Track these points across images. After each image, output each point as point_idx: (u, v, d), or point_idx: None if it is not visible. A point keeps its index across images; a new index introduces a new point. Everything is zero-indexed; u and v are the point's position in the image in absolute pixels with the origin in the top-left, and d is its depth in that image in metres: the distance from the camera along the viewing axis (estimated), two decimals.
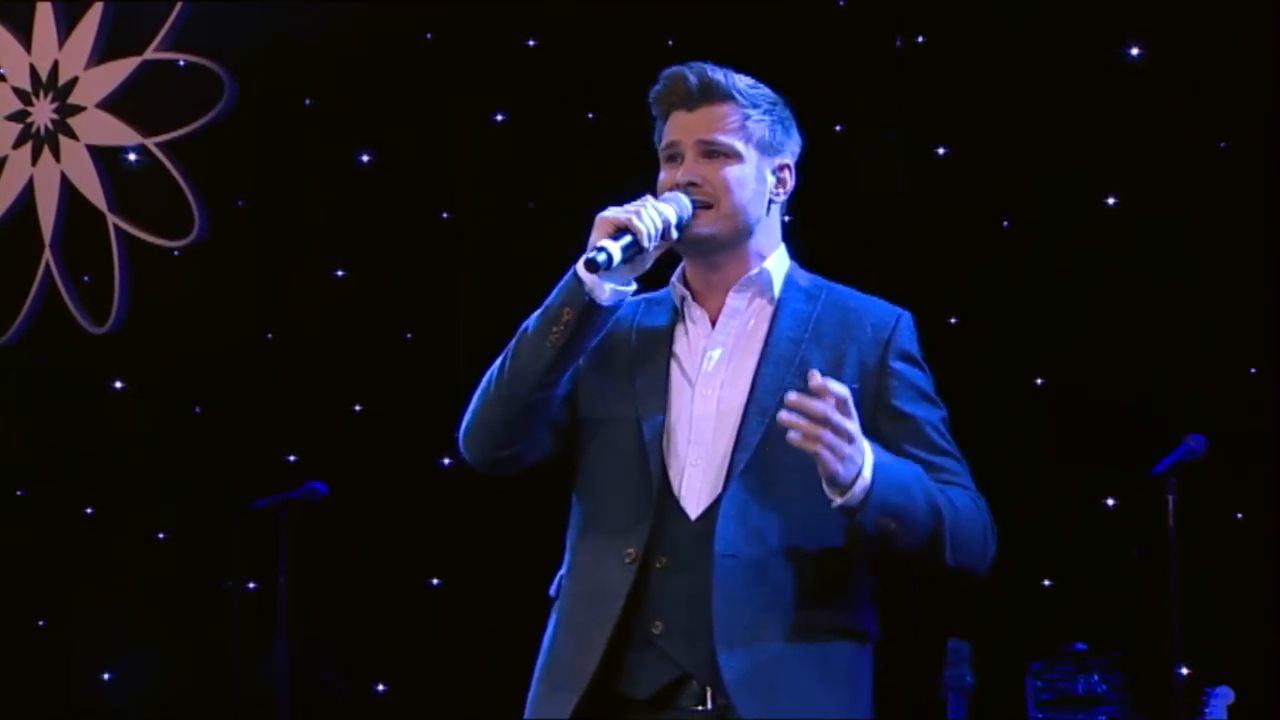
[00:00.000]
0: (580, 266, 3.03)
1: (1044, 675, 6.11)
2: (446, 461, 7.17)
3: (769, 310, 3.18)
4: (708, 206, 3.14)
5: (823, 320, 3.17)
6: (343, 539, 6.94)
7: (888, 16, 6.82)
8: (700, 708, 3.02)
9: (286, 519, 6.24)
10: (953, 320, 6.67)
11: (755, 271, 3.20)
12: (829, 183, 6.78)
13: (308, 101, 7.49)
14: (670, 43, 6.71)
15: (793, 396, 2.90)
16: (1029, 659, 6.12)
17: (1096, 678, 6.05)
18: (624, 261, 3.03)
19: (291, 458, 7.20)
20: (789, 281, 3.23)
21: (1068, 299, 6.47)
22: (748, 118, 3.18)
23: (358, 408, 7.34)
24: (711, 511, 3.05)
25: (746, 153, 3.17)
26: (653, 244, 3.06)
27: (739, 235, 3.18)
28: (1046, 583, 6.44)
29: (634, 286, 3.11)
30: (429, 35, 7.36)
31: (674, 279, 3.22)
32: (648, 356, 3.18)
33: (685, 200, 3.12)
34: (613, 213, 3.05)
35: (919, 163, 6.77)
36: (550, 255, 7.11)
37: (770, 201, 3.23)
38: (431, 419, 7.33)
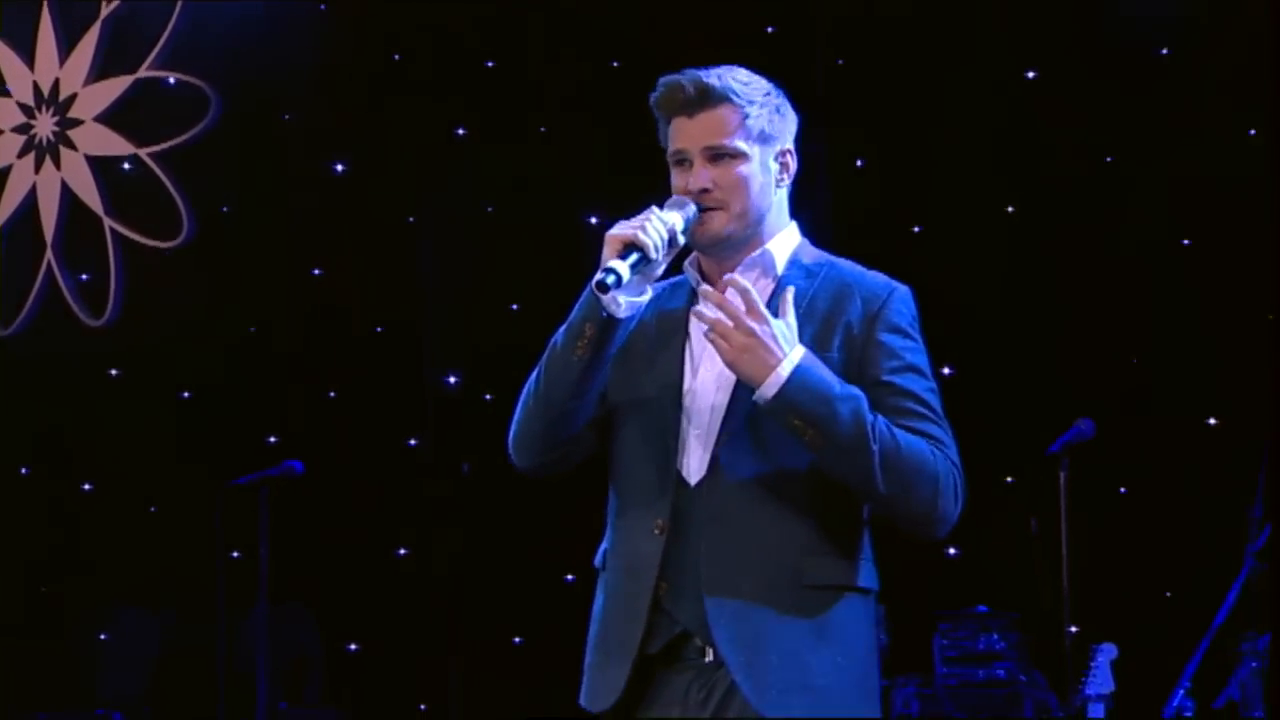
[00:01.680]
0: (594, 287, 2.93)
1: (949, 634, 6.14)
2: (413, 442, 7.17)
3: (770, 289, 3.06)
4: (720, 208, 3.04)
5: (817, 296, 3.05)
6: (318, 512, 6.90)
7: (811, 42, 6.84)
8: (704, 660, 2.97)
9: (267, 494, 6.19)
10: None
11: (758, 253, 3.08)
12: None
13: (286, 116, 7.46)
14: (615, 64, 6.71)
15: (704, 288, 2.92)
16: (936, 619, 6.15)
17: (996, 636, 6.08)
18: (635, 272, 2.95)
19: (271, 439, 7.18)
20: (793, 260, 3.12)
21: (973, 297, 6.49)
22: (746, 116, 3.06)
23: (332, 394, 7.32)
24: (705, 479, 2.99)
25: (750, 150, 3.06)
26: (660, 254, 2.97)
27: (749, 228, 3.07)
28: (952, 551, 6.46)
29: (648, 294, 3.03)
30: (396, 56, 7.34)
31: (687, 263, 3.10)
32: (665, 340, 3.09)
33: (693, 207, 3.02)
34: (619, 230, 2.95)
35: (839, 171, 6.78)
36: (506, 256, 7.13)
37: (778, 186, 3.12)
38: (399, 404, 7.34)
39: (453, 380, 6.94)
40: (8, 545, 7.45)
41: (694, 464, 3.01)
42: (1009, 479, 6.39)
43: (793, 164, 3.15)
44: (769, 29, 6.89)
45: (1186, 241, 6.34)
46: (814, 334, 3.00)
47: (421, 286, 7.27)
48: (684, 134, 3.07)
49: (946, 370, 6.56)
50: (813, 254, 3.15)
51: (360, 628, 7.21)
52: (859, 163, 6.81)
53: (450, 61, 7.19)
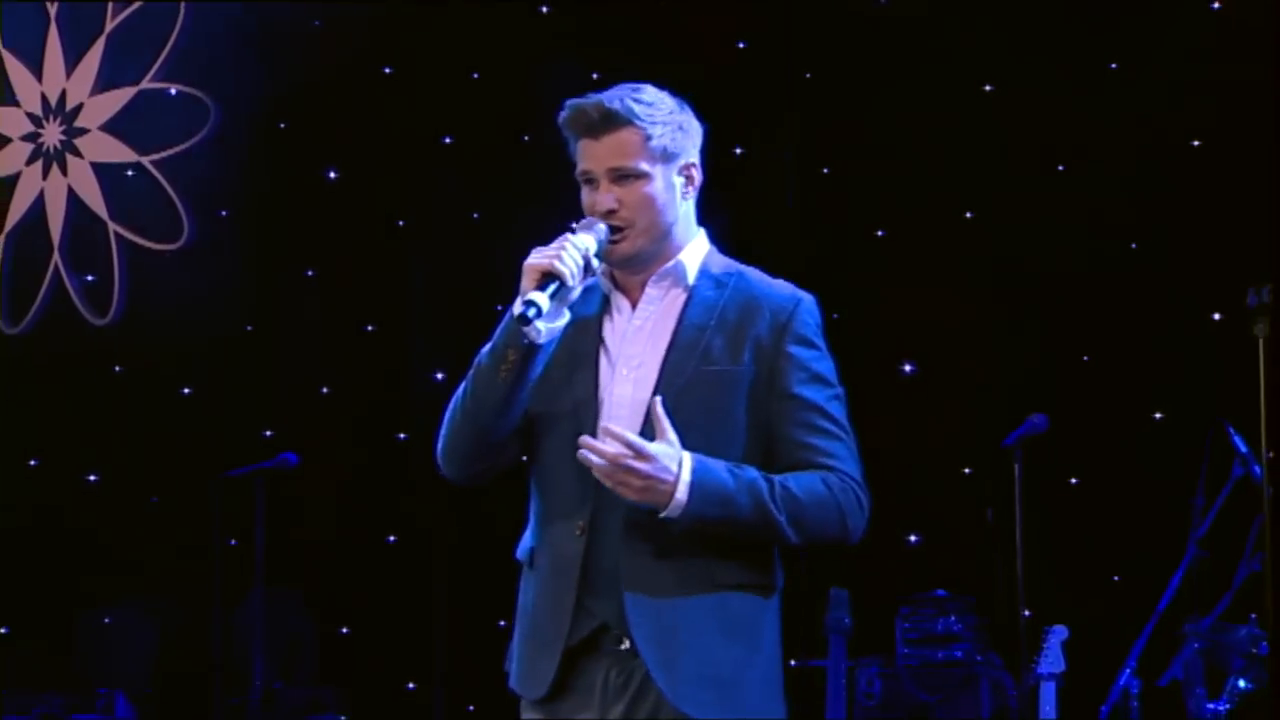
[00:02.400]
0: (514, 319, 2.92)
1: (910, 617, 6.14)
2: (402, 436, 7.17)
3: (682, 299, 3.05)
4: (628, 227, 3.02)
5: (728, 307, 3.04)
6: (311, 502, 6.90)
7: (782, 57, 6.85)
8: (617, 647, 2.97)
9: (262, 485, 6.21)
10: (835, 315, 6.68)
11: (671, 264, 3.06)
12: (727, 194, 6.81)
13: (282, 125, 7.44)
14: (595, 76, 6.71)
15: (584, 439, 2.89)
16: (898, 604, 6.15)
17: (954, 619, 6.08)
18: (553, 301, 2.93)
19: (267, 432, 7.15)
20: (703, 270, 3.09)
21: (932, 299, 6.51)
22: (649, 137, 3.03)
23: (325, 389, 7.31)
24: None
25: (653, 169, 3.03)
26: (577, 280, 2.95)
27: (657, 244, 3.05)
28: (913, 539, 6.48)
29: (566, 318, 3.00)
30: (388, 70, 7.34)
31: (599, 271, 3.06)
32: (580, 345, 3.06)
33: (601, 226, 3.00)
34: (536, 260, 2.93)
35: (807, 178, 6.80)
36: (491, 259, 7.13)
37: (683, 199, 3.10)
38: (388, 400, 7.33)
39: (440, 377, 6.94)
40: (16, 533, 7.42)
41: None
42: (966, 470, 6.41)
43: (697, 176, 3.12)
44: (741, 44, 6.90)
45: (1133, 246, 6.37)
46: (724, 346, 3.01)
47: (410, 287, 7.26)
48: (590, 155, 3.04)
49: (908, 368, 6.60)
50: (721, 263, 3.13)
51: (351, 611, 7.19)
52: (825, 170, 6.83)
53: (438, 73, 7.19)
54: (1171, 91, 6.28)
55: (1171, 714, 5.26)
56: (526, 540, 3.12)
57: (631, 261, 3.05)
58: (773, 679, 3.05)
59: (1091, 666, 5.42)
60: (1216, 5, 6.30)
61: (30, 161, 7.80)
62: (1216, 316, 6.09)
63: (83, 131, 7.74)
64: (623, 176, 3.03)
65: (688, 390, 2.97)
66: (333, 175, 7.39)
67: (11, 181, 7.80)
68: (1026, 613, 5.33)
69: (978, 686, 6.01)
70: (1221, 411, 5.09)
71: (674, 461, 2.90)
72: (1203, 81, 6.21)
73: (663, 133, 3.05)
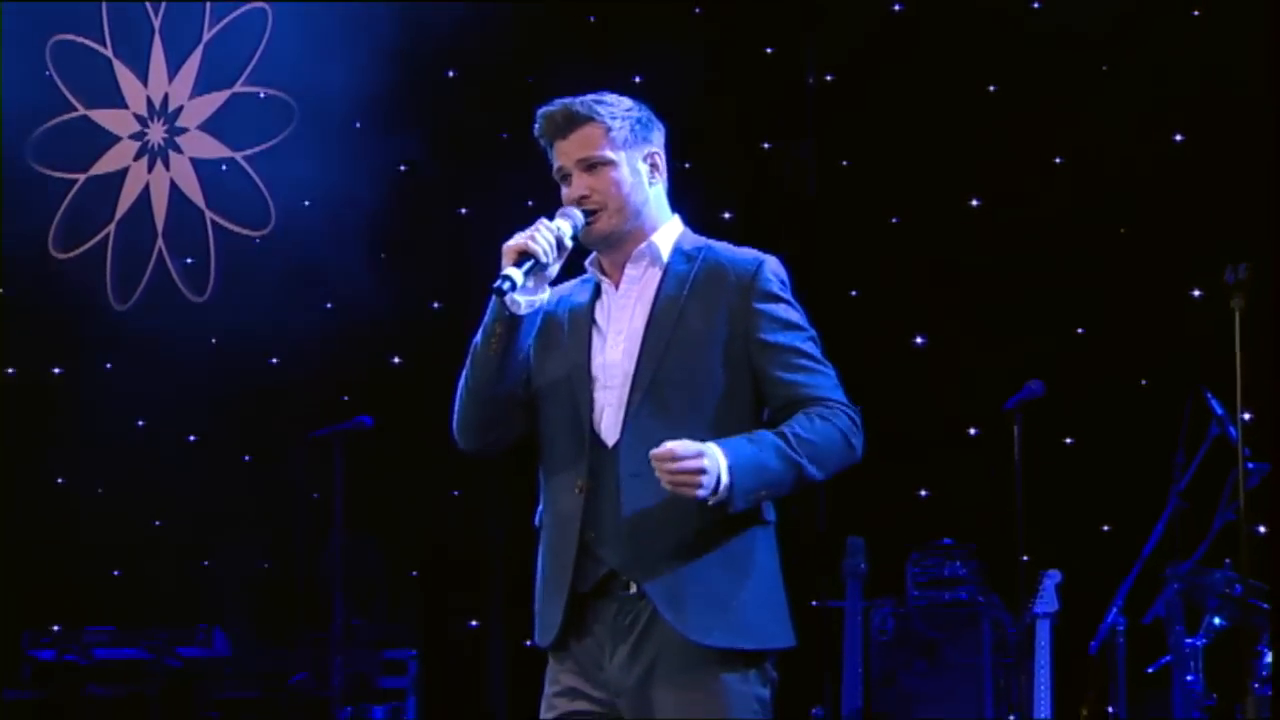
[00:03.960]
0: (493, 292, 2.95)
1: (920, 563, 6.13)
2: None
3: (658, 275, 3.05)
4: (601, 209, 3.04)
5: (698, 277, 3.03)
6: (384, 460, 6.93)
7: (804, 60, 6.84)
8: (626, 592, 2.95)
9: (341, 444, 6.19)
10: (853, 294, 6.70)
11: (645, 245, 3.07)
12: (755, 185, 6.83)
13: (357, 124, 7.44)
14: (637, 80, 6.72)
15: (655, 454, 2.84)
16: (909, 551, 6.15)
17: (959, 564, 6.07)
18: (530, 276, 2.94)
19: (345, 397, 7.15)
20: (676, 248, 3.09)
21: (941, 278, 6.51)
22: (610, 129, 3.04)
23: (396, 360, 7.34)
24: (621, 439, 2.97)
25: (617, 156, 3.04)
26: (551, 258, 2.96)
27: (629, 222, 3.06)
28: (923, 493, 6.49)
29: (547, 293, 3.02)
30: (450, 73, 7.35)
31: (589, 263, 3.12)
32: (576, 327, 3.07)
33: (577, 212, 3.01)
34: (513, 241, 2.96)
35: (828, 171, 6.80)
36: None
37: (650, 184, 3.09)
38: (451, 369, 7.33)
39: None
40: (126, 487, 7.48)
41: (610, 429, 2.98)
42: (971, 431, 6.41)
43: (662, 164, 3.13)
44: (768, 49, 6.90)
45: (1122, 230, 6.35)
46: (698, 310, 3.01)
47: (471, 269, 7.28)
48: (561, 153, 3.07)
49: (919, 340, 6.60)
50: (692, 240, 3.13)
51: (420, 556, 7.23)
52: (844, 162, 6.82)
53: (496, 76, 7.19)
54: (1155, 94, 6.27)
55: (1154, 648, 5.26)
56: (538, 507, 3.13)
57: (609, 240, 3.06)
58: (772, 603, 3.01)
59: (1082, 606, 5.41)
60: (1196, 13, 6.28)
61: (137, 158, 7.82)
62: (1196, 293, 6.08)
63: (183, 130, 7.77)
64: (591, 165, 3.04)
65: (668, 352, 2.98)
66: (402, 168, 7.39)
67: (121, 176, 7.83)
68: (1024, 558, 5.35)
69: (980, 625, 6.01)
70: (1200, 378, 5.07)
71: (709, 457, 2.85)
72: (1182, 86, 6.19)
73: (621, 125, 3.06)
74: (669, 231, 3.12)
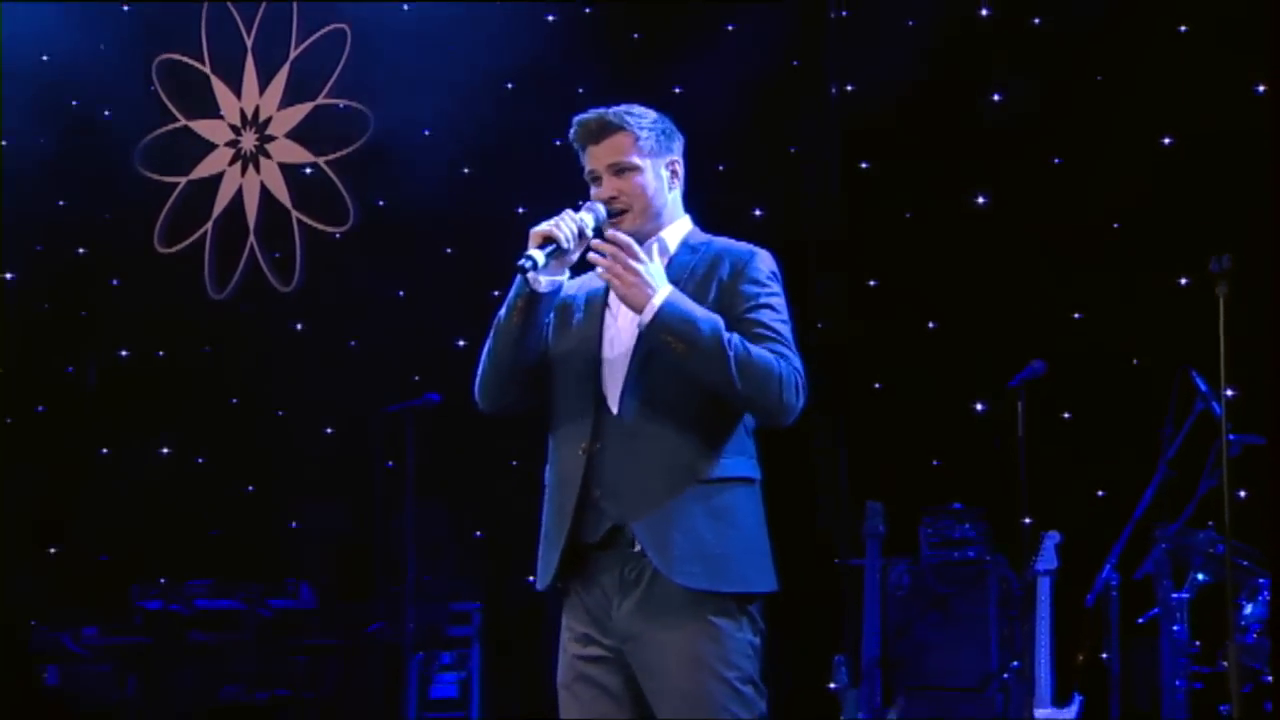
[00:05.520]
0: (516, 269, 2.98)
1: (932, 525, 6.12)
2: None
3: (663, 265, 3.08)
4: (627, 210, 3.07)
5: (698, 266, 3.07)
6: (451, 433, 6.96)
7: (827, 73, 6.82)
8: (631, 549, 2.97)
9: (412, 419, 6.21)
10: (872, 283, 6.69)
11: (654, 239, 3.10)
12: (783, 185, 6.82)
13: (426, 132, 7.47)
14: (677, 90, 6.71)
15: (606, 236, 2.95)
16: (922, 514, 6.14)
17: (968, 526, 6.06)
18: (551, 259, 2.96)
19: (416, 377, 7.16)
20: (683, 242, 3.12)
21: (951, 268, 6.49)
22: (638, 138, 3.08)
23: (461, 342, 7.35)
24: (622, 406, 3.00)
25: (643, 163, 3.08)
26: (571, 244, 2.98)
27: (651, 222, 3.10)
28: (936, 462, 6.47)
29: (566, 275, 3.06)
30: (509, 85, 7.34)
31: (596, 271, 3.09)
32: (590, 308, 3.12)
33: (600, 207, 3.05)
34: (540, 226, 2.99)
35: (848, 172, 6.78)
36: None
37: (670, 189, 3.13)
38: None
39: None
40: (223, 457, 7.55)
41: (614, 395, 3.01)
42: (979, 406, 6.39)
43: (680, 170, 3.16)
44: (795, 63, 6.88)
45: (1116, 225, 6.32)
46: (693, 293, 3.01)
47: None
48: (593, 157, 3.10)
49: (932, 324, 6.58)
50: (699, 237, 3.16)
51: (483, 519, 7.24)
52: (864, 164, 6.81)
53: (548, 88, 7.19)
54: (1146, 104, 6.23)
55: (1144, 602, 5.24)
56: (546, 467, 3.15)
57: (635, 238, 3.05)
58: (756, 552, 3.01)
59: (1080, 564, 5.40)
60: (1183, 28, 6.23)
61: (231, 163, 7.86)
62: (1183, 281, 6.04)
63: (272, 138, 7.81)
64: (620, 170, 3.08)
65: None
66: (465, 170, 7.42)
67: (217, 179, 7.87)
68: (1027, 521, 5.34)
69: (987, 581, 6.00)
70: (1187, 358, 5.05)
71: (658, 279, 2.94)
72: (1170, 97, 6.15)
73: (648, 135, 3.10)
74: (679, 228, 3.16)
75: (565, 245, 2.98)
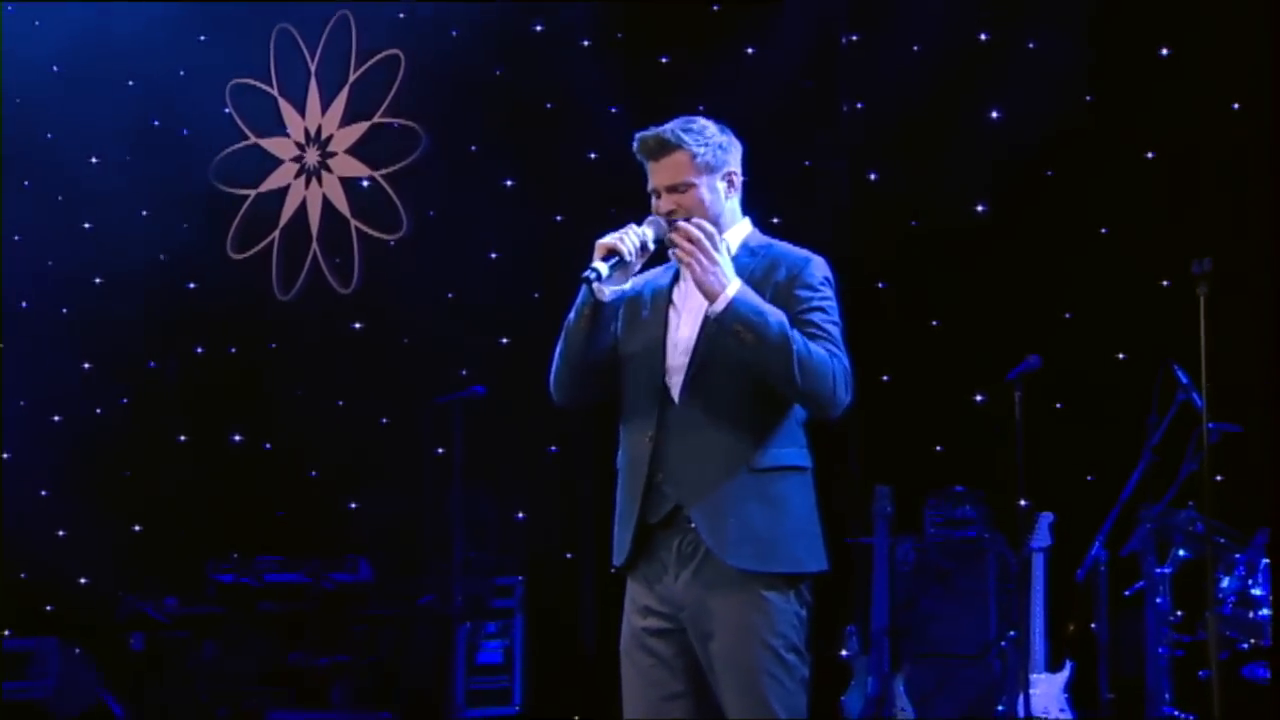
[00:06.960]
0: (583, 280, 2.99)
1: (936, 506, 6.12)
2: None
3: None
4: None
5: (756, 268, 3.04)
6: (495, 423, 6.97)
7: (838, 93, 6.82)
8: (689, 525, 2.98)
9: (460, 409, 6.21)
10: (880, 285, 6.69)
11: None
12: (799, 196, 6.82)
13: (473, 148, 7.48)
14: (701, 108, 6.70)
15: (681, 223, 2.94)
16: (927, 496, 6.14)
17: (969, 507, 6.06)
18: (614, 270, 2.96)
19: (463, 371, 7.17)
20: (743, 245, 3.09)
21: (954, 271, 6.47)
22: (695, 156, 3.04)
23: (504, 340, 7.37)
24: (684, 398, 3.00)
25: (700, 180, 3.04)
26: (633, 257, 2.98)
27: None
28: (939, 448, 6.47)
29: (630, 283, 3.05)
30: (549, 105, 7.33)
31: (671, 252, 3.08)
32: (657, 305, 3.11)
33: (663, 222, 3.02)
34: (605, 239, 2.99)
35: (858, 183, 6.78)
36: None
37: (726, 199, 3.09)
38: (549, 348, 7.31)
39: None
40: (288, 444, 7.56)
41: (677, 388, 3.02)
42: (979, 397, 6.38)
43: (738, 180, 3.13)
44: (808, 84, 6.88)
45: (1104, 230, 6.29)
46: (755, 294, 2.97)
47: (565, 265, 7.25)
48: (653, 174, 3.08)
49: (935, 322, 6.57)
50: (759, 240, 3.13)
51: (524, 501, 7.23)
52: (872, 176, 6.80)
53: (583, 109, 7.17)
54: (1128, 119, 6.21)
55: (1130, 576, 5.23)
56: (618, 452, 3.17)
57: None
58: (806, 534, 3.01)
59: (1071, 542, 5.40)
60: (1165, 52, 6.20)
61: (297, 177, 7.86)
62: (1166, 283, 6.01)
63: (333, 154, 7.79)
64: (677, 188, 3.05)
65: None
66: (509, 183, 7.42)
67: (284, 192, 7.88)
68: (1023, 502, 5.32)
69: (986, 557, 5.99)
70: (1169, 353, 5.04)
71: (731, 273, 2.93)
72: (1149, 112, 6.13)
73: (705, 151, 3.05)
74: (739, 231, 3.13)
75: (628, 258, 2.98)
